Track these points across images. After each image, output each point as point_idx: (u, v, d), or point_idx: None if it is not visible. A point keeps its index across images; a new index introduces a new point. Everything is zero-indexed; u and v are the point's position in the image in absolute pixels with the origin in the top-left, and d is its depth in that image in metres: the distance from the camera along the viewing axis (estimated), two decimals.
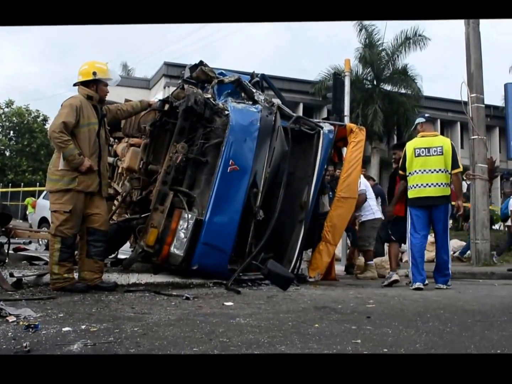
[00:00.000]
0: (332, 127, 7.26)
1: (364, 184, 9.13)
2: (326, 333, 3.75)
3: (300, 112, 32.51)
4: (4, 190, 29.09)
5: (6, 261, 6.68)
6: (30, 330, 3.52)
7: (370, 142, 29.01)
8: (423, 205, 6.94)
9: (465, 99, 12.40)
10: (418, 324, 4.15)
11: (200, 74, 6.67)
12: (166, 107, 6.33)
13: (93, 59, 6.11)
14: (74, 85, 5.70)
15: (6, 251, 6.82)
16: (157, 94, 30.86)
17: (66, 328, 3.61)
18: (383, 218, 9.16)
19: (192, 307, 4.76)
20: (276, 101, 7.00)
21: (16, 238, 8.08)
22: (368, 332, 3.79)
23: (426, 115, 7.64)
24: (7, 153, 47.32)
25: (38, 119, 46.58)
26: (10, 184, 38.26)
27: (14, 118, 47.20)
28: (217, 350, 3.15)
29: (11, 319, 3.82)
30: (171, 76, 31.40)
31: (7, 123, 48.01)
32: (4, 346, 3.11)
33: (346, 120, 11.44)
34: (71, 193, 5.38)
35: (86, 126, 5.47)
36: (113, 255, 7.75)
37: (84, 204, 5.50)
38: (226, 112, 6.21)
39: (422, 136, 7.17)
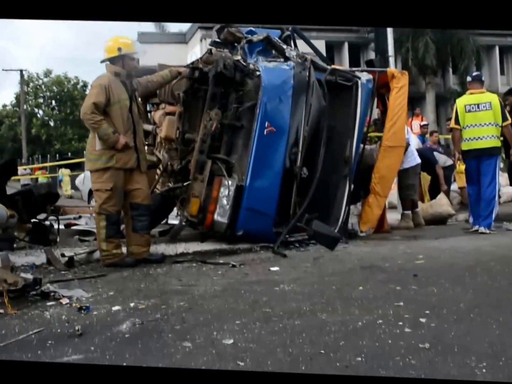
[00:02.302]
0: (370, 76, 7.18)
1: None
2: (369, 296, 3.90)
3: (345, 51, 31.96)
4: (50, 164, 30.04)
5: (58, 240, 7.05)
6: (82, 311, 3.83)
7: (424, 77, 28.26)
8: (476, 156, 7.61)
9: None
10: (466, 280, 4.24)
11: (227, 36, 6.71)
12: (196, 74, 6.41)
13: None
14: (101, 62, 5.87)
15: (57, 230, 7.19)
16: (194, 48, 30.86)
17: (116, 307, 3.90)
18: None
19: (238, 275, 4.99)
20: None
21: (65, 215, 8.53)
22: (412, 293, 3.92)
23: (474, 73, 8.25)
24: (52, 123, 48.67)
25: (78, 86, 47.49)
26: (57, 154, 39.46)
27: (54, 87, 48.31)
28: (259, 322, 3.36)
29: (64, 301, 4.14)
30: (207, 28, 31.21)
31: (48, 93, 49.22)
32: (59, 330, 3.41)
33: (391, 60, 11.24)
34: (110, 171, 5.62)
35: (117, 104, 5.64)
36: (164, 221, 8.02)
37: (125, 181, 5.73)
38: (258, 73, 6.24)
39: (471, 93, 7.81)
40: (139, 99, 6.08)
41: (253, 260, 5.71)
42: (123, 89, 5.73)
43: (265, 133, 6.19)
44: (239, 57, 6.41)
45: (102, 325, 3.48)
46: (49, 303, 4.10)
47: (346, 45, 31.03)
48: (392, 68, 10.99)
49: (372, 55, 22.72)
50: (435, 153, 10.60)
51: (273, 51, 6.64)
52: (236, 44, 6.90)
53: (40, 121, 47.25)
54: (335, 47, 32.60)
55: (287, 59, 6.52)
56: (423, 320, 3.20)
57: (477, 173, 7.66)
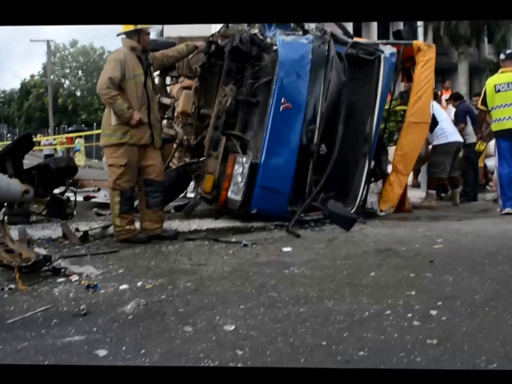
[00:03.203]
0: (394, 50, 6.92)
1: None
2: (380, 283, 3.79)
3: (374, 23, 31.17)
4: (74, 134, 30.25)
5: (74, 213, 7.05)
6: (90, 290, 3.81)
7: (457, 47, 27.35)
8: (507, 136, 7.40)
9: None
10: (485, 268, 4.08)
11: None
12: (213, 48, 6.27)
13: None
14: (117, 35, 5.78)
15: (74, 203, 7.18)
16: None
17: (123, 286, 3.87)
18: (461, 141, 8.87)
19: (249, 255, 4.92)
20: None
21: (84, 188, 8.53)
22: (426, 281, 3.79)
23: (508, 51, 7.85)
24: (78, 93, 48.97)
25: (104, 56, 47.60)
26: (83, 124, 39.75)
27: (80, 58, 48.53)
28: (263, 307, 3.29)
29: (74, 278, 4.14)
30: None
31: (74, 63, 49.47)
32: (65, 308, 3.40)
33: (420, 31, 10.94)
34: (125, 147, 5.56)
35: (133, 79, 5.55)
36: (182, 195, 7.98)
37: (139, 157, 5.67)
38: (275, 47, 6.08)
39: (502, 72, 7.58)
40: (154, 74, 5.97)
41: (266, 240, 5.63)
42: (139, 64, 5.65)
43: (281, 109, 6.05)
44: (256, 31, 6.25)
45: (108, 304, 3.46)
46: (59, 280, 4.11)
47: None
48: (420, 39, 10.72)
49: (401, 25, 22.16)
50: None
51: (292, 24, 6.43)
52: None
53: (67, 91, 47.64)
54: None
55: (306, 32, 6.33)
56: (433, 312, 3.08)
57: (510, 153, 7.43)
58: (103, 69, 5.65)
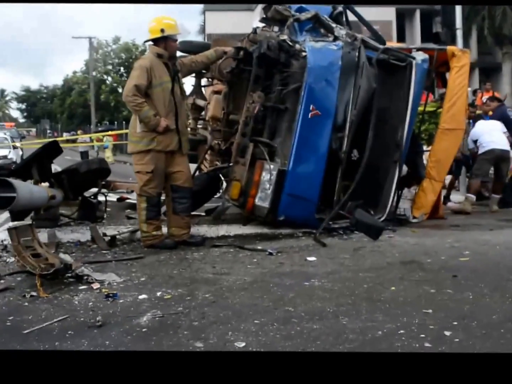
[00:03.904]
0: (426, 56, 6.84)
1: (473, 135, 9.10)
2: (399, 299, 3.78)
3: (417, 20, 30.83)
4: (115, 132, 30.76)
5: (105, 216, 7.21)
6: (109, 299, 3.90)
7: (501, 47, 26.92)
8: None
9: None
10: (507, 285, 4.03)
11: (275, 14, 6.53)
12: (241, 54, 6.30)
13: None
14: (144, 42, 5.88)
15: (104, 207, 7.34)
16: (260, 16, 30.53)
17: (142, 296, 3.97)
18: (502, 148, 8.79)
19: (273, 265, 4.95)
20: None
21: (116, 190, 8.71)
22: (445, 298, 3.76)
23: None
24: (120, 90, 49.66)
25: (146, 53, 48.12)
26: (124, 122, 40.34)
27: (122, 54, 49.21)
28: (277, 323, 3.32)
29: (95, 286, 4.25)
30: None
31: (116, 60, 50.20)
32: (82, 319, 3.50)
33: (459, 34, 10.75)
34: (151, 154, 5.65)
35: (159, 86, 5.63)
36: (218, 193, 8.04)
37: (166, 163, 5.75)
38: (304, 54, 6.07)
39: None
40: (182, 80, 6.04)
41: (292, 248, 5.64)
42: (165, 71, 5.72)
43: (309, 116, 6.04)
44: (285, 37, 6.25)
45: (124, 316, 3.54)
46: (81, 287, 4.23)
47: (418, 14, 29.94)
48: (459, 41, 10.55)
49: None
50: None
51: (322, 30, 6.42)
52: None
53: (109, 87, 48.27)
54: (406, 15, 31.56)
55: (336, 38, 6.31)
56: (447, 333, 3.06)
57: None
58: (130, 76, 5.76)
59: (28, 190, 5.54)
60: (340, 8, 6.94)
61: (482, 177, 8.90)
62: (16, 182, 5.51)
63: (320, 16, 6.38)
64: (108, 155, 26.19)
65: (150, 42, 5.85)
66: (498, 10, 24.66)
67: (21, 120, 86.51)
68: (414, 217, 7.48)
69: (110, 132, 28.30)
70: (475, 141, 9.07)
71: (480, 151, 8.88)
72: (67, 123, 56.13)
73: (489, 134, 8.92)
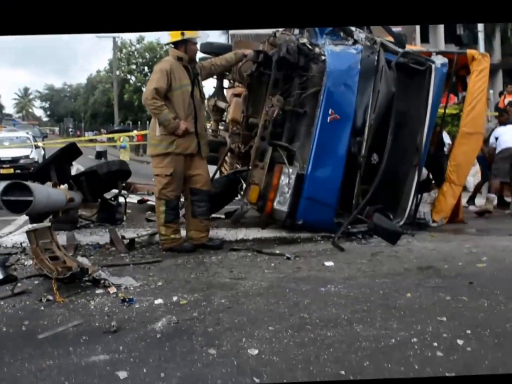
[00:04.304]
0: (445, 60, 6.82)
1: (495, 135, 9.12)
2: (414, 306, 3.78)
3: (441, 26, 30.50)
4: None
5: (124, 219, 7.30)
6: (125, 304, 3.96)
7: None
8: None
9: None
10: None
11: None
12: (261, 57, 6.33)
13: None
14: (164, 45, 5.94)
15: (124, 209, 7.42)
16: None
17: (158, 301, 4.02)
18: None
19: (290, 269, 4.97)
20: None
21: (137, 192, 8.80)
22: (460, 305, 3.75)
23: None
24: (144, 89, 49.96)
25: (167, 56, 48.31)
26: (147, 122, 40.58)
27: (146, 54, 49.51)
28: (291, 330, 3.35)
29: (112, 290, 4.30)
30: None
31: (140, 59, 50.53)
32: (97, 324, 3.56)
33: (480, 36, 10.68)
34: (171, 157, 5.71)
35: (179, 89, 5.69)
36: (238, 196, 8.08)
37: (185, 166, 5.81)
38: (323, 58, 6.08)
39: None
40: (202, 83, 6.09)
41: (310, 252, 5.66)
42: (185, 74, 5.78)
43: (328, 120, 6.06)
44: (305, 40, 6.27)
45: (139, 321, 3.59)
46: (98, 291, 4.29)
47: None
48: (480, 44, 10.48)
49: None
50: None
51: (342, 33, 6.42)
52: None
53: (133, 87, 48.58)
54: None
55: (355, 42, 6.30)
56: (460, 342, 3.06)
57: None
58: (149, 79, 5.82)
59: (45, 193, 5.61)
60: None
61: (501, 177, 8.90)
62: (33, 185, 5.58)
63: None
64: (124, 155, 26.49)
65: (171, 45, 5.92)
66: None
67: (45, 119, 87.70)
68: (433, 221, 7.48)
69: (122, 134, 28.45)
70: (496, 138, 9.08)
71: (497, 151, 8.96)
72: (91, 122, 56.69)
73: (508, 135, 8.97)
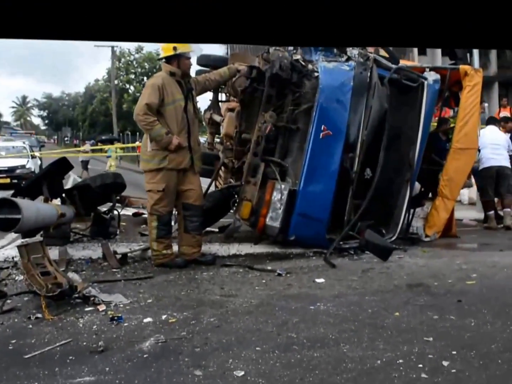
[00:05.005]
0: (438, 76, 6.88)
1: None
2: (402, 325, 3.80)
3: None
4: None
5: (118, 233, 7.30)
6: (114, 322, 3.97)
7: None
8: None
9: None
10: (510, 312, 4.03)
11: None
12: (254, 73, 6.36)
13: None
14: (157, 60, 5.97)
15: (117, 223, 7.41)
16: None
17: (147, 319, 4.03)
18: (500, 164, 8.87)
19: (281, 286, 4.99)
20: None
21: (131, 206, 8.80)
22: (447, 325, 3.78)
23: None
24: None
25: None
26: None
27: (145, 64, 49.67)
28: (278, 350, 3.36)
29: (101, 308, 4.31)
30: None
31: (139, 69, 50.70)
32: (84, 343, 3.56)
33: (475, 50, 10.72)
34: (163, 172, 5.72)
35: (172, 104, 5.71)
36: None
37: (178, 181, 5.81)
38: (316, 74, 6.13)
39: None
40: (196, 98, 6.11)
41: (301, 268, 5.68)
42: (178, 89, 5.78)
43: (321, 136, 6.09)
44: (298, 56, 6.32)
45: (127, 340, 3.60)
46: (87, 309, 4.29)
47: None
48: (475, 58, 10.54)
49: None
50: None
51: (335, 49, 6.47)
52: None
53: (131, 96, 48.68)
54: None
55: (349, 58, 6.35)
56: (445, 363, 3.08)
57: None
58: (141, 95, 5.84)
59: (34, 210, 5.59)
60: None
61: (487, 197, 8.99)
62: (21, 202, 5.55)
63: None
64: (110, 164, 26.57)
65: (163, 60, 5.94)
66: None
67: (42, 128, 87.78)
68: (426, 236, 7.50)
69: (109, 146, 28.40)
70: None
71: (480, 168, 8.91)
72: (89, 131, 56.73)
73: (489, 149, 8.96)
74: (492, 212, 9.05)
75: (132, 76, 51.45)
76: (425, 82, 6.69)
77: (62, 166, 6.63)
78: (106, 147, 27.31)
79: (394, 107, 6.59)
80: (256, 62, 6.98)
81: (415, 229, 7.54)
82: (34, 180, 6.75)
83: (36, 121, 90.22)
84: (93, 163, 26.73)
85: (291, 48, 6.90)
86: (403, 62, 7.42)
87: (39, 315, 4.07)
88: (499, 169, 8.86)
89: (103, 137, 34.01)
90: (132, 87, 51.20)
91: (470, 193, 12.32)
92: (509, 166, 9.08)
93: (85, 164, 23.48)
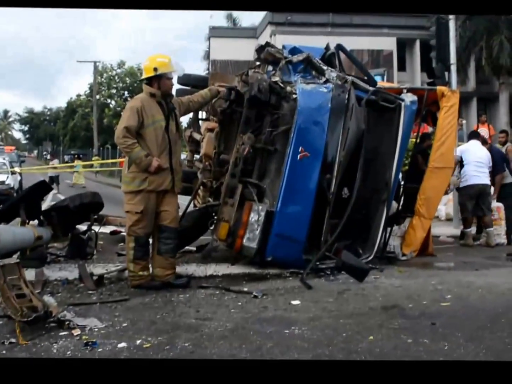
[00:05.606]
0: (415, 98, 7.00)
1: (460, 150, 9.24)
2: (375, 350, 3.81)
3: (417, 49, 31.22)
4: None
5: (95, 253, 7.26)
6: (88, 347, 3.93)
7: (498, 77, 27.30)
8: None
9: None
10: (484, 334, 4.07)
11: (267, 56, 6.63)
12: (233, 95, 6.40)
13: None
14: (139, 81, 6.00)
15: (94, 243, 7.37)
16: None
17: (122, 345, 3.99)
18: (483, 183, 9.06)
19: (256, 309, 4.99)
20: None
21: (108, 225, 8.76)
22: (421, 349, 3.80)
23: None
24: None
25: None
26: None
27: (127, 78, 49.68)
28: None
29: (76, 332, 4.27)
30: (277, 24, 31.30)
31: (121, 84, 50.66)
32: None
33: (453, 68, 10.93)
34: (142, 194, 5.67)
35: (152, 125, 5.68)
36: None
37: (157, 202, 5.77)
38: (294, 96, 6.19)
39: None
40: (179, 118, 6.10)
41: (278, 290, 5.68)
42: (159, 110, 5.76)
43: (298, 158, 6.15)
44: (277, 78, 6.37)
45: None
46: (61, 333, 4.24)
47: (418, 43, 30.39)
48: (453, 76, 10.72)
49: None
50: None
51: (314, 72, 6.54)
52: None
53: (113, 111, 48.59)
54: (407, 44, 32.01)
55: (327, 80, 6.42)
56: None
57: None
58: (121, 118, 5.83)
59: (10, 233, 5.55)
60: (332, 49, 7.07)
61: (467, 214, 9.27)
62: None
63: (312, 58, 6.49)
64: (78, 178, 26.53)
65: (145, 81, 5.92)
66: (495, 41, 24.93)
67: (23, 142, 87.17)
68: (403, 255, 7.60)
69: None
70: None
71: (463, 185, 9.18)
72: (70, 145, 56.45)
73: (472, 166, 9.20)
74: (470, 229, 9.20)
75: (114, 91, 51.39)
76: (402, 103, 6.80)
77: (41, 188, 6.61)
78: (75, 163, 27.31)
79: (371, 128, 6.68)
80: (236, 82, 7.03)
81: (392, 247, 7.61)
82: (12, 203, 6.69)
83: (18, 135, 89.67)
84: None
85: (270, 68, 6.98)
86: (380, 84, 7.53)
87: (13, 340, 4.02)
88: (481, 187, 9.02)
89: (73, 152, 33.86)
90: (113, 102, 51.12)
91: (447, 209, 12.48)
92: (489, 184, 9.25)
93: (52, 179, 23.19)
